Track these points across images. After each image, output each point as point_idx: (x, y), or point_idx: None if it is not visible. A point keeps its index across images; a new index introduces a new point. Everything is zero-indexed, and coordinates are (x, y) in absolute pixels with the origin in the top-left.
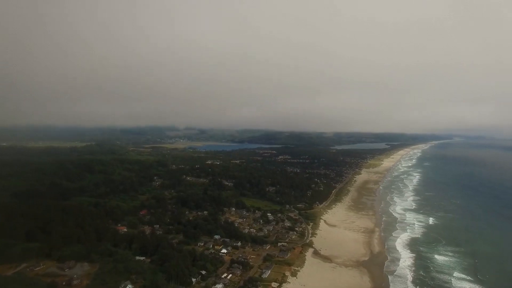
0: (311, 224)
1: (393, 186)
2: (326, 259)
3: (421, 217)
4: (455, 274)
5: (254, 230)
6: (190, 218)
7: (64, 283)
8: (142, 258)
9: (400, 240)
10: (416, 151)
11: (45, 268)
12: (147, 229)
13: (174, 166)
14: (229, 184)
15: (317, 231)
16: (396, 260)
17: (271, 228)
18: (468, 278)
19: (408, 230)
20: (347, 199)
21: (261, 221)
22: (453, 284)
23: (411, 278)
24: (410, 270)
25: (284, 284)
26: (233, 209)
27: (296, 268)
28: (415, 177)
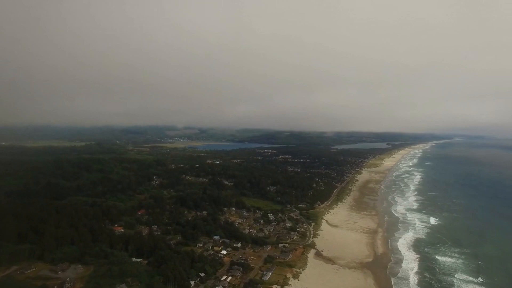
0: (313, 224)
1: (395, 186)
2: (329, 260)
3: (424, 217)
4: (461, 276)
5: (255, 231)
6: (189, 218)
7: (56, 287)
8: (138, 259)
9: (404, 241)
10: (416, 150)
11: (36, 271)
12: (145, 230)
13: (173, 165)
14: (229, 183)
15: (319, 232)
16: (401, 261)
17: (272, 228)
18: (474, 280)
19: (411, 231)
20: (348, 199)
21: (261, 221)
22: (458, 287)
23: (416, 281)
24: (414, 272)
25: (285, 287)
26: (233, 209)
27: (298, 270)
28: (416, 177)
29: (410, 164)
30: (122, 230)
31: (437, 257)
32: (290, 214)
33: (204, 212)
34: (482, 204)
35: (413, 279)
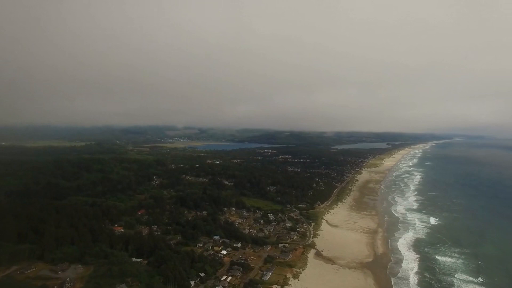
0: (313, 224)
1: (395, 186)
2: (329, 260)
3: (424, 217)
4: (461, 276)
5: (255, 231)
6: (189, 218)
7: (56, 287)
8: (138, 259)
9: (404, 241)
10: (416, 150)
11: (36, 271)
12: (145, 230)
13: (173, 165)
14: (229, 183)
15: (319, 232)
16: (401, 261)
17: (272, 228)
18: (474, 280)
19: (411, 231)
20: (348, 199)
21: (261, 221)
22: (458, 287)
23: (416, 281)
24: (414, 272)
25: (285, 287)
26: (233, 209)
27: (298, 270)
28: (416, 177)
29: (410, 164)
30: (122, 230)
31: (437, 257)
32: (290, 214)
33: (204, 212)
34: (482, 204)
35: (413, 279)
